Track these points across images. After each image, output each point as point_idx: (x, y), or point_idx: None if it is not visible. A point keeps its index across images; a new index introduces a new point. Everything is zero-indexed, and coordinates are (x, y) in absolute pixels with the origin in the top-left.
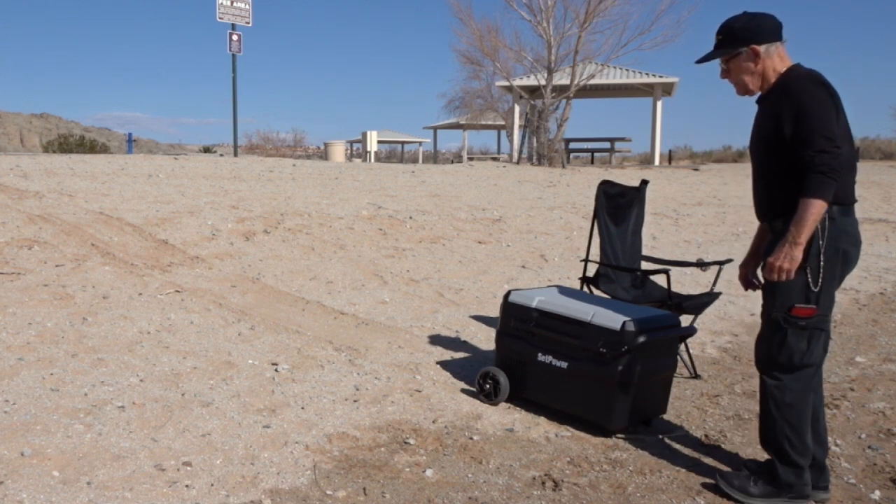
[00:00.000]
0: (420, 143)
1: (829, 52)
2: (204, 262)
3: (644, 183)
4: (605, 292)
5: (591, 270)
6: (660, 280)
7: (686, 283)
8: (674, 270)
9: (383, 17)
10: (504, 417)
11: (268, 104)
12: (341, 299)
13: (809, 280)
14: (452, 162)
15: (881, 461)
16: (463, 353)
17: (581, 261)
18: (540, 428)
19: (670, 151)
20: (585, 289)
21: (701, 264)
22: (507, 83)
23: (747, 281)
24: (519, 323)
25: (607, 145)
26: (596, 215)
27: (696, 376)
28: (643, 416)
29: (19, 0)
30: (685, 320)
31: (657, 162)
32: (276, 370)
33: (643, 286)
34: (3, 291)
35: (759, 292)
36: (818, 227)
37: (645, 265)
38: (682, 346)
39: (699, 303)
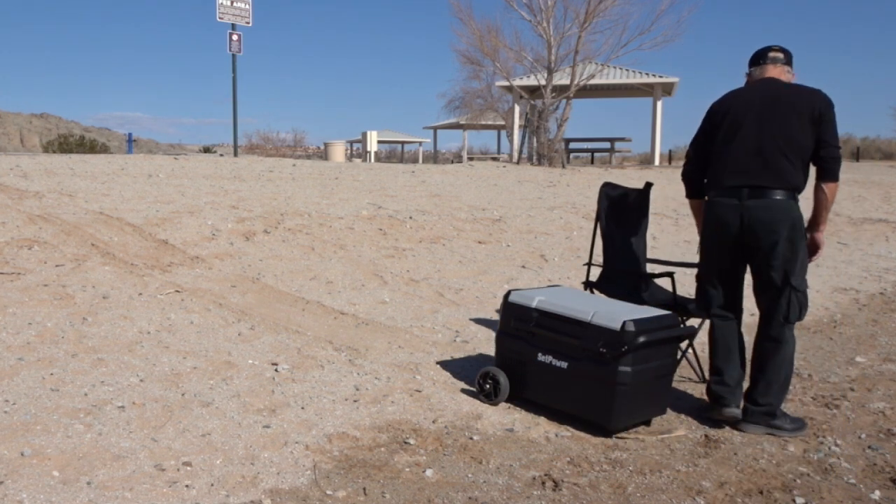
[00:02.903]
0: (420, 143)
1: (829, 52)
2: (204, 262)
3: (648, 185)
4: (608, 296)
5: (595, 273)
6: (663, 282)
7: (687, 283)
8: (675, 271)
9: (383, 17)
10: (504, 417)
11: (268, 104)
12: (341, 299)
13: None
14: (452, 162)
15: (881, 461)
16: (463, 353)
17: (584, 265)
18: (540, 428)
19: (670, 151)
20: (588, 292)
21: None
22: (507, 83)
23: None
24: (519, 323)
25: (607, 145)
26: (598, 218)
27: (704, 380)
28: (643, 416)
29: (19, 0)
30: (690, 323)
31: (657, 162)
32: (276, 370)
33: (647, 289)
34: (3, 291)
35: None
36: None
37: (649, 267)
38: (690, 351)
39: None
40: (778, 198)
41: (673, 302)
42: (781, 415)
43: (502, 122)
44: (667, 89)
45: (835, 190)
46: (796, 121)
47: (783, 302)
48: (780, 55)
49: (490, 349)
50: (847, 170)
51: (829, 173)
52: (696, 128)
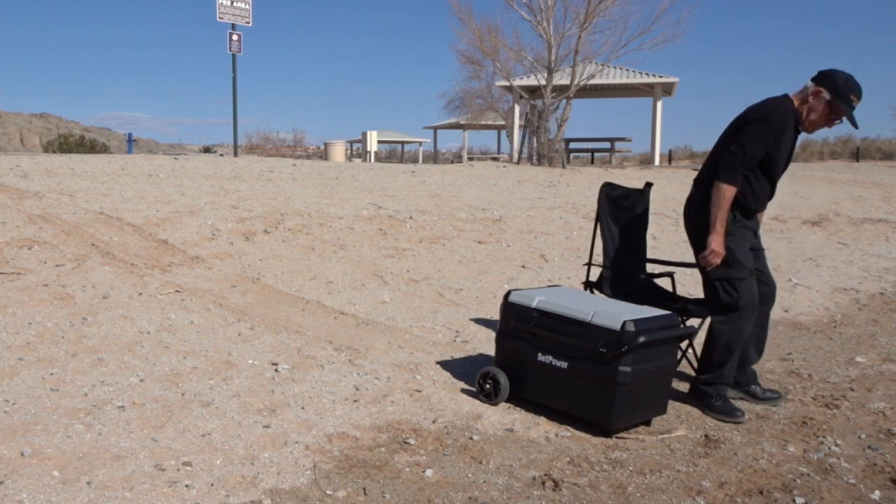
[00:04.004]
0: (420, 143)
1: (829, 52)
2: (204, 262)
3: (648, 186)
4: (609, 296)
5: (595, 274)
6: (663, 282)
7: (687, 283)
8: (675, 271)
9: (383, 17)
10: (504, 417)
11: (268, 104)
12: (341, 299)
13: None
14: (452, 162)
15: (881, 461)
16: (463, 353)
17: (584, 265)
18: (540, 428)
19: (670, 151)
20: (588, 292)
21: None
22: (507, 83)
23: None
24: (519, 323)
25: (607, 145)
26: (598, 218)
27: None
28: (643, 416)
29: (20, 0)
30: (692, 323)
31: (657, 162)
32: (276, 370)
33: (647, 289)
34: (3, 291)
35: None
36: None
37: (649, 267)
38: (690, 350)
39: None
40: (692, 198)
41: (673, 302)
42: (717, 396)
43: (502, 122)
44: (667, 89)
45: (720, 192)
46: (728, 130)
47: (705, 287)
48: (816, 75)
49: (490, 349)
50: (847, 170)
51: (715, 173)
52: (696, 128)
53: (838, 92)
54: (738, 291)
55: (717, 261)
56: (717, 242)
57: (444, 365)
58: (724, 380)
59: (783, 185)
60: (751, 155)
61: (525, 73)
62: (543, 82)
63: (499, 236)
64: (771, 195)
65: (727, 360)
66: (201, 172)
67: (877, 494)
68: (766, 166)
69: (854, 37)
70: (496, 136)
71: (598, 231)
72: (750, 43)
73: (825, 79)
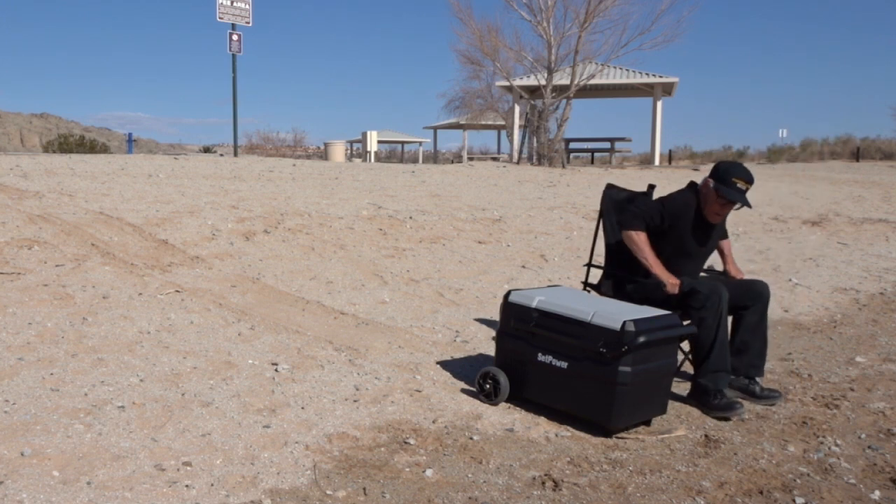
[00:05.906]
0: (420, 143)
1: (830, 52)
2: (204, 262)
3: (651, 187)
4: (608, 297)
5: (594, 275)
6: None
7: None
8: None
9: (383, 17)
10: (504, 417)
11: (268, 104)
12: (341, 299)
13: None
14: (452, 162)
15: (881, 461)
16: (463, 353)
17: (584, 265)
18: (540, 428)
19: (670, 151)
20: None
21: (708, 269)
22: (507, 83)
23: None
24: (519, 323)
25: (607, 145)
26: (601, 218)
27: None
28: (643, 416)
29: (20, 0)
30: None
31: (657, 162)
32: (276, 370)
33: (647, 290)
34: (3, 291)
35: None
36: None
37: None
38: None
39: None
40: None
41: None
42: (715, 393)
43: (502, 122)
44: (667, 89)
45: (630, 239)
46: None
47: (680, 306)
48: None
49: (490, 349)
50: (847, 170)
51: (619, 224)
52: (696, 128)
53: (719, 178)
54: (698, 291)
55: (676, 289)
56: (663, 276)
57: (444, 365)
58: (720, 366)
59: (784, 185)
60: (645, 213)
61: (525, 73)
62: (543, 82)
63: (499, 236)
64: (694, 269)
65: (713, 342)
66: (201, 172)
67: (877, 494)
68: (674, 241)
69: (854, 37)
70: (496, 136)
71: (601, 231)
72: (750, 43)
73: (711, 170)
